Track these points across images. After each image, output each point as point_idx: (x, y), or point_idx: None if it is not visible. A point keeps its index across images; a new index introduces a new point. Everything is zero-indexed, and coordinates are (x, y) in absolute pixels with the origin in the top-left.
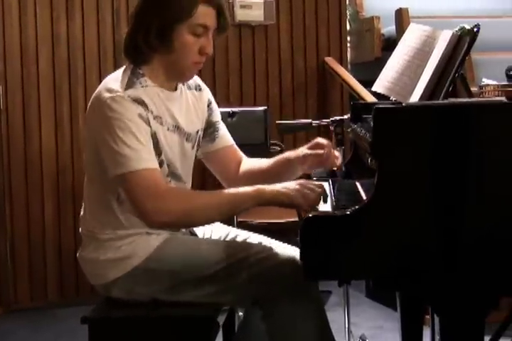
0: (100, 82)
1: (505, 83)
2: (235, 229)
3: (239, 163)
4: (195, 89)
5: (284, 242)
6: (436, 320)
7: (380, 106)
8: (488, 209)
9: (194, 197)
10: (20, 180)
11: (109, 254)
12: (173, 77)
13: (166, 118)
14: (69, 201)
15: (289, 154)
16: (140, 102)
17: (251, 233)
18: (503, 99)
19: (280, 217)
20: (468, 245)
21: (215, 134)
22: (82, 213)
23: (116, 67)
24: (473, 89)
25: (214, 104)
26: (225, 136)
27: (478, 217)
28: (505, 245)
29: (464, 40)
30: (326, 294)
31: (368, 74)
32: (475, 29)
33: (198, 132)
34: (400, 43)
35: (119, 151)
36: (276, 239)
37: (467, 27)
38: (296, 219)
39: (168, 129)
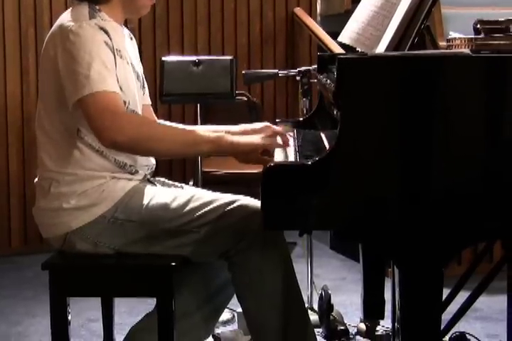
0: None
1: (472, 36)
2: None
3: None
4: (128, 37)
5: (247, 195)
6: (397, 272)
7: (344, 56)
8: (452, 162)
9: (153, 125)
10: None
11: (73, 201)
12: (129, 13)
13: (124, 52)
14: (34, 150)
15: (218, 128)
16: (105, 31)
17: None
18: (467, 51)
19: (245, 167)
20: (431, 196)
21: (144, 90)
22: (38, 159)
23: None
24: (442, 43)
25: None
26: (147, 94)
27: (442, 168)
28: (467, 197)
29: None
30: (290, 245)
31: (338, 26)
32: None
33: (142, 76)
34: None
35: (83, 73)
36: (240, 191)
37: None
38: (261, 170)
39: (127, 63)
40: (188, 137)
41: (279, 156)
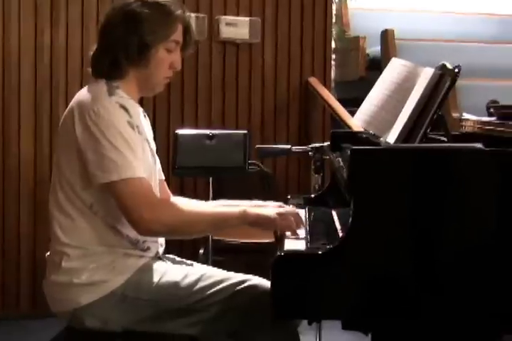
0: None
1: (485, 119)
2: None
3: (168, 198)
4: (142, 114)
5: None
6: None
7: (357, 147)
8: (463, 253)
9: (186, 212)
10: None
11: (84, 277)
12: (144, 91)
13: (141, 128)
14: (45, 213)
15: (231, 203)
16: (126, 109)
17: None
18: (480, 145)
19: (255, 237)
20: (444, 290)
21: (156, 165)
22: (51, 232)
23: None
24: (455, 114)
25: None
26: (160, 169)
27: (452, 261)
28: (477, 293)
29: (445, 80)
30: None
31: (352, 92)
32: (456, 69)
33: (156, 152)
34: (380, 77)
35: (109, 156)
36: (250, 260)
37: (449, 66)
38: (272, 240)
39: (144, 139)
40: (217, 216)
41: (289, 242)
